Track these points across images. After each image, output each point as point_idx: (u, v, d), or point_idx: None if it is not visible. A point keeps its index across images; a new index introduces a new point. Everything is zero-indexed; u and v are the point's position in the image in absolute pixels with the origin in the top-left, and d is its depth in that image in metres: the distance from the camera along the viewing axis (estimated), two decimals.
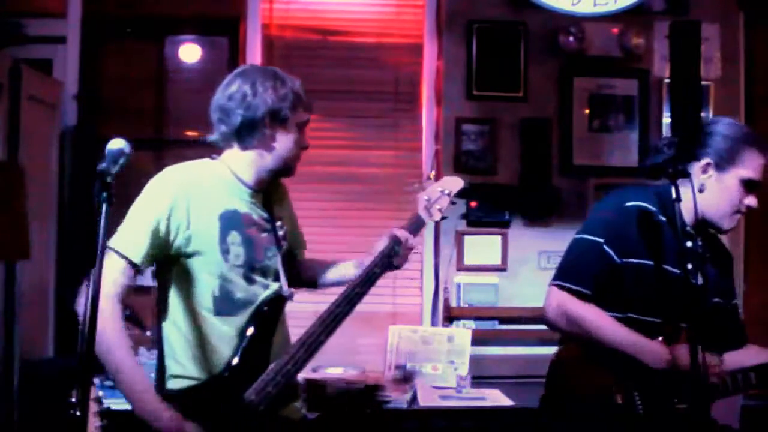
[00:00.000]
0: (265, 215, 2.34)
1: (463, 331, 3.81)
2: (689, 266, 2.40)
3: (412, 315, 4.18)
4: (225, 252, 2.22)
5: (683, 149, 2.47)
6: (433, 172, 2.78)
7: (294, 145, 2.30)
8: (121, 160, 1.87)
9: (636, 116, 4.23)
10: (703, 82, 3.84)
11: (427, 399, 3.48)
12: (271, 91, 2.24)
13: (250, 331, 2.24)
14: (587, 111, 4.22)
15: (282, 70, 2.35)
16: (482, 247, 4.15)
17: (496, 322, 4.11)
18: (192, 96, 4.24)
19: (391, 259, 2.38)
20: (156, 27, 4.31)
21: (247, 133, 2.26)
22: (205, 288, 2.23)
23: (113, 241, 2.15)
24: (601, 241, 2.43)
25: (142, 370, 2.13)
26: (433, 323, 4.11)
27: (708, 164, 2.45)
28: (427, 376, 3.70)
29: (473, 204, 4.12)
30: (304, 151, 2.36)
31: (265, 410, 2.18)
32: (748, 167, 2.43)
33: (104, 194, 1.83)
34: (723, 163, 2.43)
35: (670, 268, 2.42)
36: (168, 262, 2.23)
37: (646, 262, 2.42)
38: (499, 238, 4.16)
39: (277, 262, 2.33)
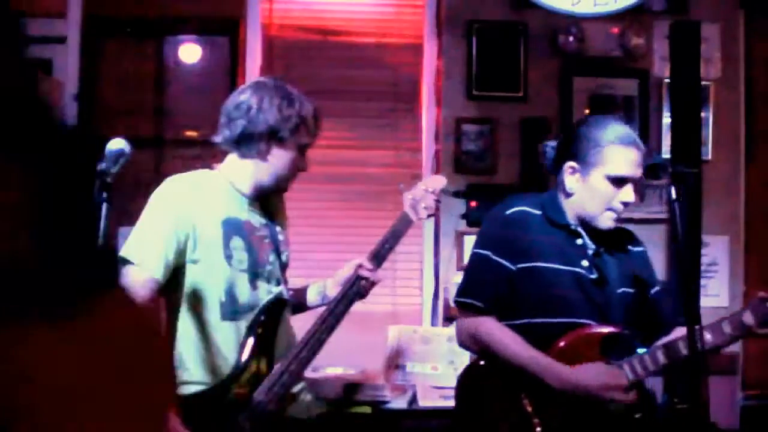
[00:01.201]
0: (264, 222, 2.38)
1: None
2: (584, 263, 2.43)
3: (412, 315, 4.18)
4: (229, 257, 2.26)
5: (559, 153, 2.51)
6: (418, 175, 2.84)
7: (290, 164, 2.34)
8: (121, 160, 1.88)
9: (636, 116, 4.23)
10: (703, 82, 3.85)
11: (427, 399, 3.49)
12: (276, 110, 2.28)
13: (253, 336, 2.26)
14: (587, 111, 4.22)
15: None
16: None
17: None
18: (192, 96, 4.24)
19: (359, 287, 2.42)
20: (156, 27, 4.31)
21: (245, 143, 2.31)
22: (211, 293, 2.25)
23: (132, 255, 2.18)
24: (489, 253, 2.47)
25: None
26: (433, 323, 4.11)
27: (572, 167, 2.46)
28: (428, 376, 3.70)
29: (473, 204, 4.12)
30: (300, 172, 2.40)
31: (275, 409, 2.22)
32: (612, 164, 2.41)
33: (104, 194, 1.83)
34: (586, 163, 2.43)
35: (559, 266, 2.45)
36: (175, 271, 2.25)
37: (537, 264, 2.44)
38: None
39: (278, 268, 2.36)
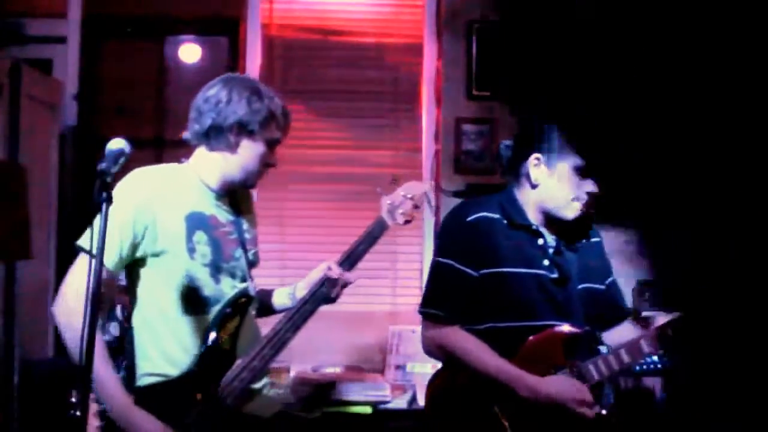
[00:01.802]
0: (231, 218, 2.38)
1: None
2: (545, 262, 2.43)
3: (412, 315, 4.16)
4: (191, 251, 2.25)
5: (518, 149, 2.51)
6: (397, 178, 2.81)
7: (259, 159, 2.33)
8: (121, 160, 1.87)
9: None
10: None
11: None
12: (245, 102, 2.28)
13: (215, 330, 2.26)
14: None
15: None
16: None
17: None
18: (192, 96, 4.21)
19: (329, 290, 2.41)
20: (156, 27, 4.31)
21: (214, 136, 2.31)
22: (173, 286, 2.25)
23: (85, 243, 2.16)
24: (452, 261, 2.46)
25: (113, 374, 2.17)
26: None
27: (537, 158, 2.47)
28: (427, 376, 3.69)
29: None
30: (269, 168, 2.39)
31: (232, 405, 2.22)
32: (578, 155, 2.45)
33: (104, 194, 1.83)
34: (552, 154, 2.45)
35: (521, 270, 2.45)
36: (137, 263, 2.25)
37: (500, 269, 2.44)
38: None
39: (243, 264, 2.37)
